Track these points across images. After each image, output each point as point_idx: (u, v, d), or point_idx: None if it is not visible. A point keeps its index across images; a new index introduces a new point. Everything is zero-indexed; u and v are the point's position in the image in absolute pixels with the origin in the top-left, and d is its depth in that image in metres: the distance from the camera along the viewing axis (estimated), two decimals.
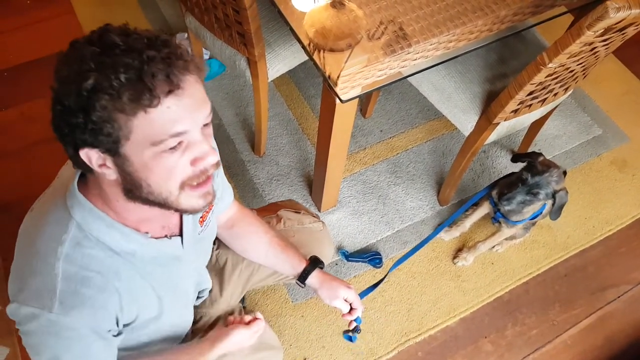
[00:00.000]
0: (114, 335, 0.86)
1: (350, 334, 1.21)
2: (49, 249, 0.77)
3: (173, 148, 0.71)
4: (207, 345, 1.04)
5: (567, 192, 1.52)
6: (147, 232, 0.85)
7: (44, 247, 0.78)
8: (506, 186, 1.56)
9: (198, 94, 0.73)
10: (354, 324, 1.22)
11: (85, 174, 0.81)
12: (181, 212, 0.79)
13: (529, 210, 1.57)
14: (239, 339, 1.05)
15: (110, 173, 0.74)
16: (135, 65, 0.66)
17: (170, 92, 0.68)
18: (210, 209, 1.02)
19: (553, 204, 1.52)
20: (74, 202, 0.79)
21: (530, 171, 1.50)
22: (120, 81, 0.65)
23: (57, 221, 0.79)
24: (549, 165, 1.51)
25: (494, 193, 1.63)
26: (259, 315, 1.09)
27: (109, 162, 0.72)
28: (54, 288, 0.76)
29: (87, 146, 0.71)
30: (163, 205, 0.76)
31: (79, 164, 0.74)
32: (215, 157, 0.75)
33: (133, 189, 0.75)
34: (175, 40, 0.72)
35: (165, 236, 0.89)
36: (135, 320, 0.89)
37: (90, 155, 0.72)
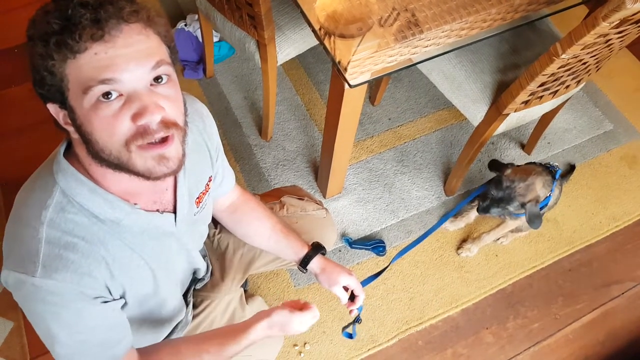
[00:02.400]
0: (111, 302, 0.84)
1: (349, 329, 1.20)
2: (33, 214, 0.77)
3: (107, 97, 0.69)
4: (249, 323, 0.99)
5: (538, 201, 1.49)
6: (136, 204, 0.83)
7: (29, 212, 0.78)
8: (481, 197, 1.58)
9: (139, 44, 0.70)
10: (355, 313, 1.21)
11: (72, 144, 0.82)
12: (140, 176, 0.75)
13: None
14: (281, 320, 0.98)
15: (72, 131, 0.75)
16: (66, 12, 0.67)
17: (95, 37, 0.67)
18: (207, 191, 1.01)
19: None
20: (59, 168, 0.79)
21: (495, 186, 1.51)
22: (52, 28, 0.67)
23: (43, 187, 0.79)
24: (513, 180, 1.49)
25: (492, 188, 1.62)
26: (312, 306, 1.03)
27: (68, 118, 0.74)
28: (38, 252, 0.75)
29: (47, 100, 0.73)
30: (122, 167, 0.74)
31: (56, 123, 0.76)
32: (158, 115, 0.71)
33: (89, 147, 0.74)
34: None
35: (157, 211, 0.88)
36: (129, 293, 0.88)
37: (56, 112, 0.74)
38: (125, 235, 0.83)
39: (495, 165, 1.57)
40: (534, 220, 1.49)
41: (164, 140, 0.73)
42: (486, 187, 1.67)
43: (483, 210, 1.56)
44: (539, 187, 1.50)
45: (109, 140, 0.71)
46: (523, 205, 1.49)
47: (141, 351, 0.95)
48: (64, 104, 0.72)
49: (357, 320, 1.21)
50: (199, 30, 2.06)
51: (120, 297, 0.86)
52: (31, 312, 0.80)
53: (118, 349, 0.88)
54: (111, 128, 0.70)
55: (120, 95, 0.70)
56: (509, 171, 1.52)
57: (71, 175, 0.79)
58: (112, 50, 0.68)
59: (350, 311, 1.20)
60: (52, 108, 0.74)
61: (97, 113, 0.70)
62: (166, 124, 0.73)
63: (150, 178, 0.75)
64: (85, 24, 0.66)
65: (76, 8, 0.67)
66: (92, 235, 0.79)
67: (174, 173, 0.77)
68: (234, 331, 0.98)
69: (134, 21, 0.70)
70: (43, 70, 0.69)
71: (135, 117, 0.70)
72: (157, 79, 0.73)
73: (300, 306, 1.01)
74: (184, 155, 0.78)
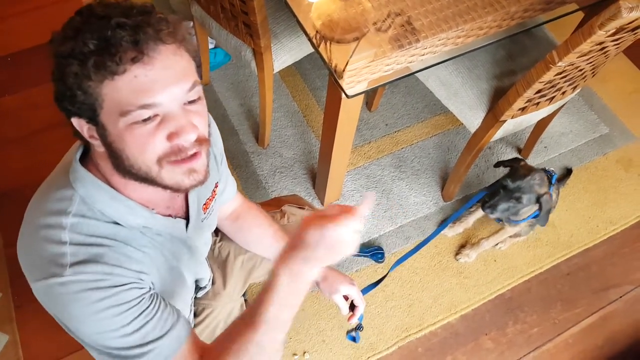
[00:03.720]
0: (151, 289, 0.81)
1: (353, 333, 1.20)
2: (53, 222, 0.76)
3: (145, 120, 0.69)
4: (283, 264, 0.74)
5: (551, 196, 1.50)
6: (153, 209, 0.83)
7: (48, 221, 0.77)
8: (488, 195, 1.55)
9: (176, 65, 0.71)
10: (356, 321, 1.21)
11: (87, 152, 0.81)
12: (168, 189, 0.76)
13: (527, 211, 1.56)
14: (315, 240, 0.71)
15: (98, 144, 0.74)
16: (104, 32, 0.66)
17: (136, 60, 0.67)
18: (214, 197, 1.01)
19: (540, 209, 1.50)
20: (76, 177, 0.78)
21: (511, 177, 1.50)
22: (88, 47, 0.66)
23: (60, 197, 0.78)
24: (530, 170, 1.49)
25: (480, 202, 1.62)
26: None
27: (95, 133, 0.73)
28: (64, 254, 0.74)
29: (73, 115, 0.73)
30: (149, 181, 0.74)
31: (77, 134, 0.76)
32: (193, 134, 0.72)
33: (117, 162, 0.74)
34: (154, 10, 0.71)
35: (170, 215, 0.88)
36: (159, 288, 0.86)
37: (80, 125, 0.74)
38: (147, 234, 0.83)
39: (503, 162, 1.57)
40: (546, 215, 1.50)
41: (194, 155, 0.74)
42: (486, 192, 1.67)
43: (490, 207, 1.51)
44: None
45: (140, 157, 0.72)
46: (538, 198, 1.48)
47: (205, 347, 0.87)
48: (93, 120, 0.72)
49: (359, 327, 1.21)
50: (194, 37, 2.05)
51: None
52: (72, 318, 0.76)
53: (179, 329, 0.82)
54: (146, 147, 0.71)
55: (157, 115, 0.70)
56: (523, 162, 1.52)
57: (91, 183, 0.78)
58: (151, 73, 0.68)
59: (349, 319, 1.19)
60: (76, 122, 0.74)
61: (132, 133, 0.70)
62: (199, 141, 0.74)
63: (180, 191, 0.76)
64: (125, 47, 0.66)
65: (115, 30, 0.66)
66: (115, 235, 0.79)
67: (201, 184, 0.77)
68: (264, 293, 0.76)
69: (171, 42, 0.70)
70: (77, 89, 0.68)
71: (171, 136, 0.71)
72: (191, 97, 0.73)
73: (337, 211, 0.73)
74: (208, 165, 0.79)
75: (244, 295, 1.41)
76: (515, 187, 1.48)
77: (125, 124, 0.69)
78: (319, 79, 2.20)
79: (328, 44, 1.23)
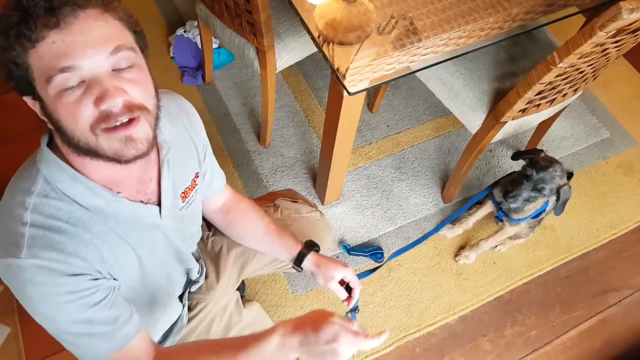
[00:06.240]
0: (106, 280, 0.83)
1: (349, 314, 1.19)
2: (17, 201, 0.78)
3: (70, 87, 0.70)
4: (267, 331, 0.84)
5: (570, 187, 1.51)
6: (119, 192, 0.84)
7: (14, 200, 0.79)
8: (510, 184, 1.55)
9: (96, 31, 0.71)
10: (353, 302, 1.20)
11: None
12: (112, 160, 0.76)
13: (531, 208, 1.57)
14: (326, 337, 0.79)
15: (48, 121, 0.76)
16: (21, 3, 0.68)
17: (51, 25, 0.68)
18: (194, 187, 1.01)
19: (557, 200, 1.51)
20: (42, 157, 0.80)
21: (533, 167, 1.49)
22: (11, 20, 0.69)
23: (27, 177, 0.80)
24: (551, 161, 1.50)
25: (497, 191, 1.63)
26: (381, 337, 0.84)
27: (41, 109, 0.75)
28: (22, 235, 0.76)
29: (21, 93, 0.75)
30: (92, 152, 0.75)
31: (37, 116, 0.77)
32: (120, 98, 0.72)
33: (62, 136, 0.75)
34: None
35: (141, 201, 0.88)
36: (120, 281, 0.87)
37: (33, 104, 0.76)
38: (110, 222, 0.83)
39: (522, 153, 1.58)
40: (562, 206, 1.52)
41: (129, 122, 0.74)
42: (488, 191, 1.68)
43: (514, 196, 1.50)
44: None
45: (75, 126, 0.72)
46: (558, 189, 1.49)
47: (159, 349, 0.92)
48: (35, 94, 0.74)
49: (355, 309, 1.20)
50: (199, 36, 2.07)
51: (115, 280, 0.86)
52: (25, 298, 0.79)
53: (129, 327, 0.86)
54: (75, 114, 0.71)
55: (83, 81, 0.71)
56: (543, 154, 1.53)
57: (53, 163, 0.80)
58: (68, 38, 0.69)
59: (348, 303, 1.18)
60: (28, 100, 0.76)
61: (61, 100, 0.71)
62: (130, 107, 0.73)
63: (121, 161, 0.76)
64: (39, 13, 0.68)
65: None
66: (76, 219, 0.80)
67: (144, 155, 0.77)
68: (249, 339, 0.85)
69: (88, 7, 0.71)
70: (9, 63, 0.71)
71: (97, 101, 0.71)
72: (120, 64, 0.73)
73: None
74: (154, 138, 0.79)
75: (240, 291, 1.41)
76: (539, 179, 1.48)
77: (54, 91, 0.71)
78: (321, 80, 2.21)
79: (331, 43, 1.24)
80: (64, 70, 0.69)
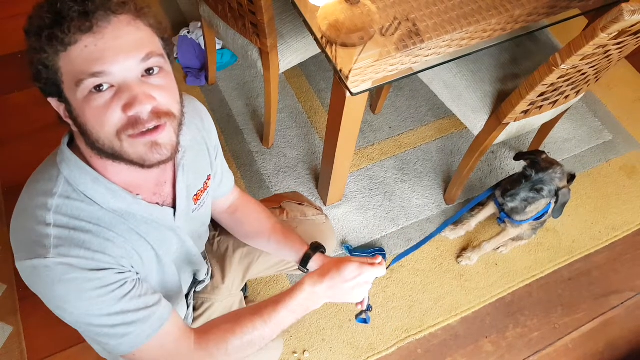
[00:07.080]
0: (133, 273, 0.84)
1: (363, 315, 1.17)
2: (40, 202, 0.78)
3: (99, 89, 0.70)
4: (298, 284, 0.94)
5: (569, 190, 1.51)
6: (138, 195, 0.84)
7: (35, 202, 0.79)
8: (509, 183, 1.55)
9: (128, 36, 0.72)
10: (366, 302, 1.19)
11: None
12: (135, 165, 0.76)
13: (532, 210, 1.57)
14: (352, 274, 0.94)
15: (72, 124, 0.76)
16: (55, 6, 0.69)
17: (85, 30, 0.69)
18: (205, 189, 1.01)
19: (556, 202, 1.51)
20: (63, 158, 0.80)
21: (533, 168, 1.50)
22: (44, 22, 0.69)
23: (47, 178, 0.80)
24: (552, 163, 1.50)
25: (499, 193, 1.63)
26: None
27: (66, 111, 0.75)
28: (48, 235, 0.76)
29: (47, 94, 0.75)
30: (117, 157, 0.75)
31: (59, 117, 0.78)
32: (148, 105, 0.72)
33: (87, 139, 0.75)
34: None
35: (157, 204, 0.89)
36: (141, 275, 0.88)
37: (57, 106, 0.76)
38: (131, 222, 0.84)
39: (524, 154, 1.58)
40: (561, 208, 1.52)
41: (155, 128, 0.74)
42: (490, 193, 1.68)
43: (512, 195, 1.51)
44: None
45: (101, 130, 0.73)
46: (557, 191, 1.49)
47: (196, 329, 0.93)
48: (61, 96, 0.74)
49: (368, 308, 1.18)
50: (202, 37, 2.07)
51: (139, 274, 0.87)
52: (55, 298, 0.78)
53: (162, 310, 0.86)
54: (102, 119, 0.72)
55: (112, 86, 0.71)
56: (545, 155, 1.53)
57: (74, 165, 0.80)
58: (101, 43, 0.69)
59: (362, 305, 1.17)
60: (53, 102, 0.76)
61: (89, 104, 0.71)
62: (157, 113, 0.74)
63: (145, 166, 0.76)
64: (73, 17, 0.68)
65: (65, 1, 0.69)
66: (98, 219, 0.80)
67: (168, 160, 0.78)
68: (283, 295, 0.93)
69: (121, 12, 0.72)
70: (38, 64, 0.71)
71: (125, 107, 0.71)
72: (149, 70, 0.74)
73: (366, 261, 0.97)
74: (178, 144, 0.79)
75: (243, 291, 1.42)
76: (538, 179, 1.48)
77: (82, 95, 0.71)
78: (324, 81, 2.22)
79: (334, 44, 1.25)
80: (94, 75, 0.69)
